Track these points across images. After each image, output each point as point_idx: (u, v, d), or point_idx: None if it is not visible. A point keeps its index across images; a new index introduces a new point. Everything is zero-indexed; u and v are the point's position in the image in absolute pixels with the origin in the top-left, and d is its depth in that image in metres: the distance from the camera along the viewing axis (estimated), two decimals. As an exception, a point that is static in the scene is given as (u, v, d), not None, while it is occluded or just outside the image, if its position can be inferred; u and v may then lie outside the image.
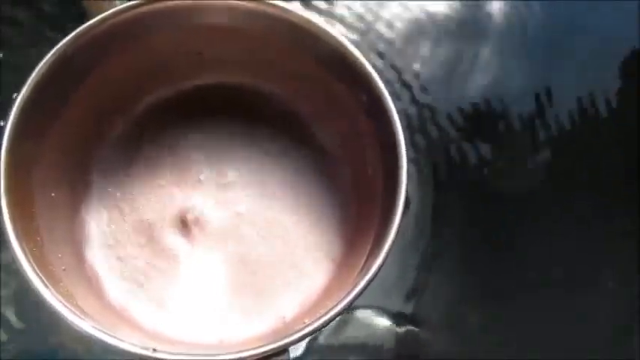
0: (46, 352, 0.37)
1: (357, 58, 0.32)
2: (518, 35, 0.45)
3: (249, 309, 0.33)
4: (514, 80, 0.44)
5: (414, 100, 0.43)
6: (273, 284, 0.34)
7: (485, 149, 0.43)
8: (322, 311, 0.28)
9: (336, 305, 0.28)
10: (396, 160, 0.30)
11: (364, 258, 0.30)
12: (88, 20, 0.32)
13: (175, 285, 0.34)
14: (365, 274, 0.28)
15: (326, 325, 0.28)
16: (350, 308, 0.28)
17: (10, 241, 0.28)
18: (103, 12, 0.32)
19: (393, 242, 0.29)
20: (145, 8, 0.32)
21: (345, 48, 0.32)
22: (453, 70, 0.44)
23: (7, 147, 0.29)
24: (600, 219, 0.41)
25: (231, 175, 0.36)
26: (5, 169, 0.29)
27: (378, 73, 0.32)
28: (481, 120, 0.43)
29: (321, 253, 0.35)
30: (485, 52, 0.45)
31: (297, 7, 0.33)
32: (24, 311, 0.37)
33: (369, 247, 0.31)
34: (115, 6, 0.32)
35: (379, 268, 0.28)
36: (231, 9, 0.33)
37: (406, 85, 0.44)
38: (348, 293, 0.28)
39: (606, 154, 0.43)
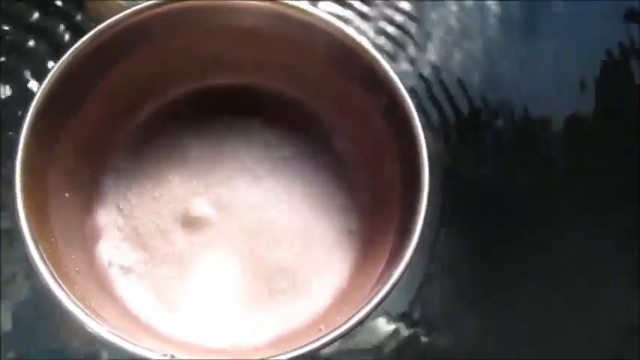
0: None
1: (378, 61, 0.32)
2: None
3: (262, 314, 0.33)
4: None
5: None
6: (287, 289, 0.34)
7: (485, 149, 0.42)
8: (340, 319, 0.28)
9: (355, 315, 0.27)
10: (416, 165, 0.30)
11: (381, 265, 0.30)
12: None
13: (188, 288, 0.33)
14: (385, 284, 0.28)
15: (345, 335, 0.27)
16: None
17: (25, 241, 0.28)
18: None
19: (415, 251, 0.28)
20: (162, 9, 0.32)
21: (365, 51, 0.32)
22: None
23: (22, 148, 0.29)
24: (603, 219, 0.41)
25: (247, 177, 0.36)
26: (21, 170, 0.29)
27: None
28: (480, 117, 0.43)
29: (337, 259, 0.34)
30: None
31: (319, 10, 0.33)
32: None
33: (387, 255, 0.30)
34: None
35: (399, 279, 0.28)
36: (251, 10, 0.33)
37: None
38: (369, 302, 0.28)
39: (607, 154, 0.43)
